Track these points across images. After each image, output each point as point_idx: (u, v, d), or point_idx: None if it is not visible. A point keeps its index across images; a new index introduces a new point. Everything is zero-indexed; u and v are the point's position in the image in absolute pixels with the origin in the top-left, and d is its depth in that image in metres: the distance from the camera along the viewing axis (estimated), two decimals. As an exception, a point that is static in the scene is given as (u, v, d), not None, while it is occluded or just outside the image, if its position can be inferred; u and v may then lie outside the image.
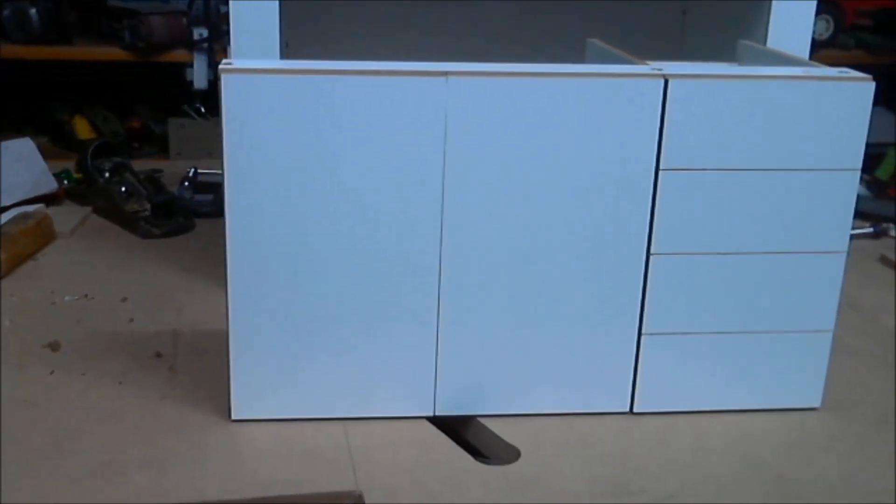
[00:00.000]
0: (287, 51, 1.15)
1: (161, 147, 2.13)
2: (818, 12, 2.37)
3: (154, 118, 2.24)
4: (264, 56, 0.95)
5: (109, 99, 2.30)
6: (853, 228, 1.25)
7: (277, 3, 0.95)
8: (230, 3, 0.94)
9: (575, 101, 0.74)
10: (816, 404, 0.83)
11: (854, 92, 0.76)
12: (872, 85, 0.76)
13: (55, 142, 2.17)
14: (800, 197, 0.78)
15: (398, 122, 0.73)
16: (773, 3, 1.02)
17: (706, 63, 0.93)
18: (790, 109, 0.76)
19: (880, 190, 1.39)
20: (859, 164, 0.78)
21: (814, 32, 2.36)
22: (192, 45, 2.03)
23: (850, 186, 0.78)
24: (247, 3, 0.93)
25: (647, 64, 0.80)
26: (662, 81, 0.74)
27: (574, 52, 0.97)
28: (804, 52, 1.04)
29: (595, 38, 0.95)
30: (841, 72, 0.78)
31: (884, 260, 1.19)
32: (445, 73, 0.72)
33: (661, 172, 0.76)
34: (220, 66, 0.71)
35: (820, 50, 2.26)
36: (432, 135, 0.73)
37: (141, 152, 2.20)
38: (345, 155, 0.73)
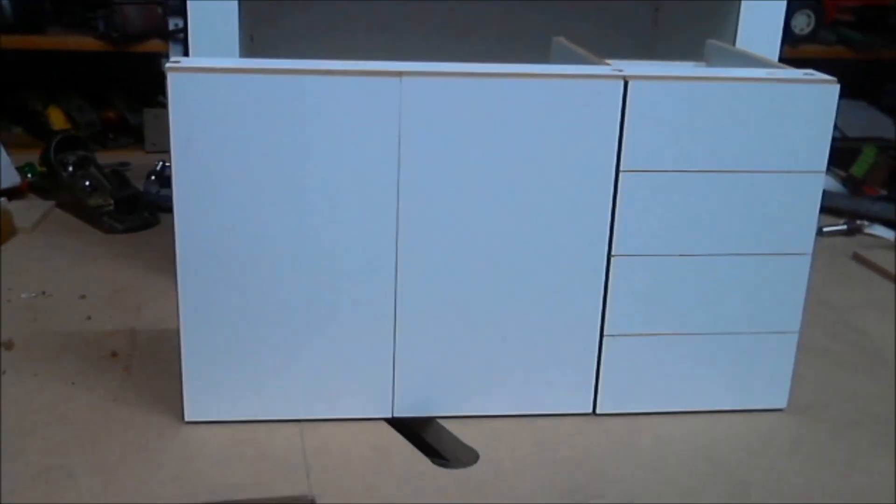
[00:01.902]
0: (252, 45, 1.14)
1: (137, 138, 2.10)
2: (799, 7, 2.37)
3: (130, 109, 2.22)
4: (222, 52, 0.94)
5: (85, 89, 2.27)
6: (827, 225, 1.26)
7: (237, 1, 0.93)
8: (188, 3, 0.93)
9: (533, 102, 0.72)
10: (782, 406, 0.82)
11: (819, 94, 0.75)
12: (837, 87, 0.75)
13: (30, 132, 2.14)
14: (763, 199, 0.77)
15: (351, 122, 0.71)
16: (743, 2, 1.01)
17: (671, 63, 0.92)
18: (753, 111, 0.74)
19: (856, 187, 1.38)
20: (824, 167, 0.77)
21: (795, 27, 2.36)
22: (167, 36, 2.01)
23: (814, 188, 0.77)
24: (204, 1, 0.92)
25: (608, 64, 0.78)
26: (622, 83, 0.73)
27: (547, 51, 0.95)
28: (774, 51, 1.02)
29: (567, 36, 0.93)
30: (806, 73, 0.77)
31: (857, 257, 1.18)
32: (400, 73, 0.71)
33: (621, 174, 0.75)
34: (167, 65, 0.69)
35: (801, 45, 2.25)
36: (386, 135, 0.71)
37: (117, 143, 2.18)
38: (297, 154, 0.71)
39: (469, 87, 0.71)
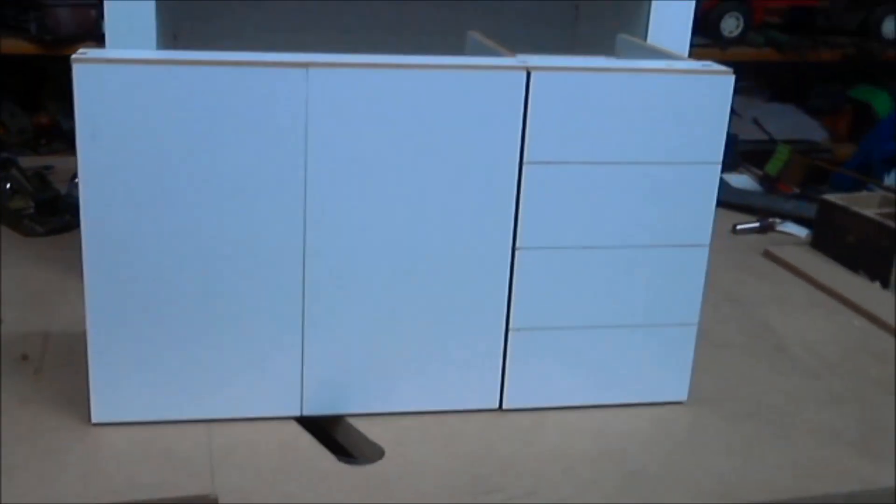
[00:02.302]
0: (175, 44, 1.14)
1: (70, 144, 2.08)
2: (728, 10, 2.41)
3: (63, 114, 2.20)
4: (139, 47, 0.94)
5: (17, 93, 2.25)
6: (741, 223, 1.29)
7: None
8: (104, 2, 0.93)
9: (437, 94, 0.73)
10: (682, 398, 0.84)
11: (714, 85, 0.77)
12: (732, 78, 0.77)
13: (-40, 137, 2.11)
14: (662, 190, 0.78)
15: (258, 114, 0.71)
16: (653, 2, 1.03)
17: (580, 57, 0.94)
18: (651, 102, 0.76)
19: (771, 185, 1.42)
20: (719, 158, 0.79)
21: (724, 30, 2.40)
22: (101, 38, 1.99)
23: (710, 180, 0.79)
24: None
25: (514, 57, 0.80)
26: (525, 74, 0.74)
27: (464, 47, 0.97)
28: (684, 44, 1.04)
29: (488, 34, 0.94)
30: (704, 65, 0.79)
31: (767, 254, 1.21)
32: (306, 65, 0.71)
33: (525, 166, 0.76)
34: (73, 56, 0.70)
35: (730, 47, 2.30)
36: (293, 127, 0.72)
37: (49, 148, 2.16)
38: (203, 147, 0.72)
39: (374, 78, 0.72)
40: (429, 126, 0.74)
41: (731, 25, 2.28)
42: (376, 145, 0.74)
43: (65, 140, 2.13)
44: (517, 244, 0.78)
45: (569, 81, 0.75)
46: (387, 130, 0.73)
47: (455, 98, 0.74)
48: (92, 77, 0.69)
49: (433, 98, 0.73)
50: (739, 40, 2.29)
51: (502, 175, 0.76)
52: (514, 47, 0.84)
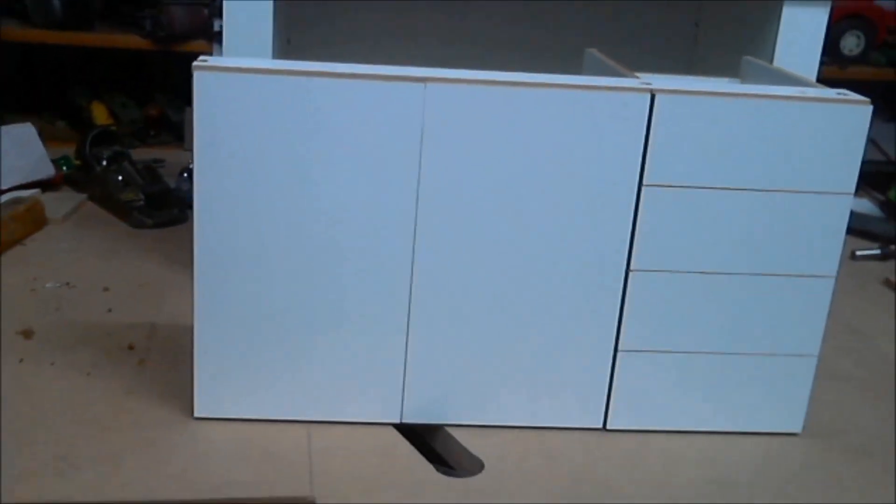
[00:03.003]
0: (288, 48, 1.14)
1: (177, 135, 2.13)
2: (848, 28, 2.33)
3: (172, 106, 2.25)
4: (256, 53, 0.95)
5: (129, 85, 2.31)
6: (861, 249, 1.24)
7: (271, 2, 0.94)
8: (223, 4, 0.94)
9: (557, 113, 0.71)
10: (797, 430, 0.81)
11: (851, 115, 0.73)
12: (870, 108, 0.73)
13: (73, 126, 2.18)
14: (788, 219, 0.75)
15: (373, 127, 0.71)
16: (783, 17, 0.99)
17: (703, 79, 0.91)
18: (782, 129, 0.73)
19: (892, 212, 1.36)
20: (853, 188, 0.75)
21: (843, 48, 2.32)
22: (212, 37, 2.02)
23: (842, 210, 0.75)
24: (240, 2, 0.93)
25: (637, 77, 0.77)
26: (649, 96, 0.72)
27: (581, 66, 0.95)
28: (812, 67, 1.00)
29: (603, 49, 0.92)
30: (839, 93, 0.75)
31: (888, 283, 1.15)
32: (424, 80, 0.70)
33: (644, 188, 0.74)
34: (194, 64, 0.70)
35: (850, 66, 2.22)
36: (408, 141, 0.71)
37: (157, 139, 2.21)
38: (317, 157, 0.71)
39: (493, 96, 0.71)
40: (546, 145, 0.72)
41: (851, 44, 2.21)
42: (492, 162, 0.72)
43: (173, 131, 2.18)
44: (631, 265, 0.76)
45: (694, 105, 0.72)
46: (503, 148, 0.72)
47: (575, 118, 0.72)
48: (211, 84, 0.70)
49: (552, 117, 0.71)
50: (860, 59, 2.22)
51: (620, 196, 0.74)
52: (633, 66, 0.82)
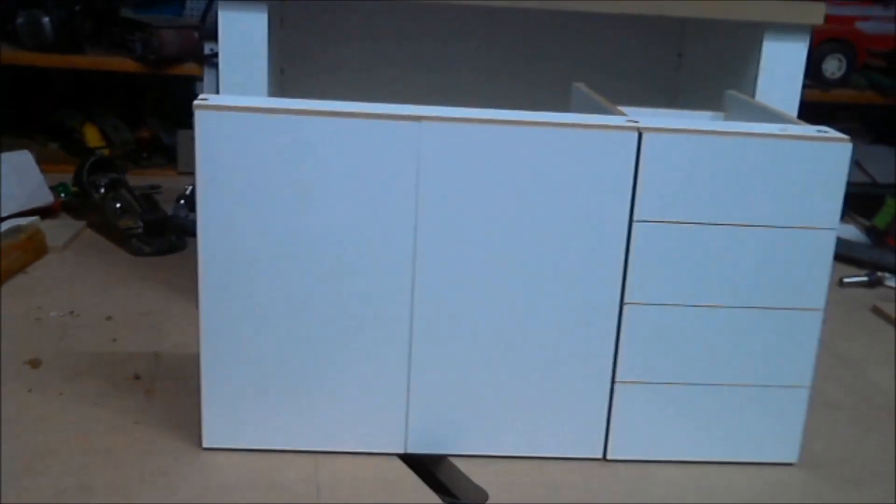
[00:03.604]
0: (282, 78, 1.16)
1: (170, 158, 2.14)
2: (830, 51, 2.36)
3: (164, 129, 2.25)
4: (252, 82, 0.96)
5: (121, 109, 2.31)
6: (848, 276, 1.26)
7: (266, 34, 0.96)
8: (219, 35, 0.96)
9: (549, 151, 0.74)
10: (793, 459, 0.83)
11: (832, 152, 0.76)
12: (850, 146, 0.76)
13: (65, 149, 2.18)
14: (775, 253, 0.77)
15: (371, 164, 0.73)
16: (764, 48, 1.02)
17: (688, 113, 0.93)
18: (766, 166, 0.75)
19: (878, 238, 1.38)
20: (836, 223, 0.78)
21: (825, 71, 2.35)
22: (203, 60, 2.04)
23: (827, 245, 0.78)
24: (235, 34, 0.95)
25: (624, 114, 0.80)
26: (636, 134, 0.74)
27: (567, 97, 0.97)
28: (794, 96, 1.03)
29: (589, 82, 0.95)
30: (820, 130, 0.78)
31: (876, 310, 1.18)
32: (419, 118, 0.72)
33: (634, 224, 0.76)
34: (195, 103, 0.72)
35: (832, 89, 2.25)
36: (405, 177, 0.73)
37: (150, 162, 2.21)
38: (317, 193, 0.73)
39: (487, 134, 0.73)
40: (539, 181, 0.74)
41: (833, 67, 2.24)
42: (487, 198, 0.74)
43: (165, 154, 2.18)
44: (625, 299, 0.78)
45: (681, 143, 0.75)
46: (498, 184, 0.74)
47: (566, 155, 0.74)
48: (213, 123, 0.72)
49: (545, 154, 0.74)
50: (842, 82, 2.25)
51: (612, 231, 0.76)
52: (617, 96, 0.84)
